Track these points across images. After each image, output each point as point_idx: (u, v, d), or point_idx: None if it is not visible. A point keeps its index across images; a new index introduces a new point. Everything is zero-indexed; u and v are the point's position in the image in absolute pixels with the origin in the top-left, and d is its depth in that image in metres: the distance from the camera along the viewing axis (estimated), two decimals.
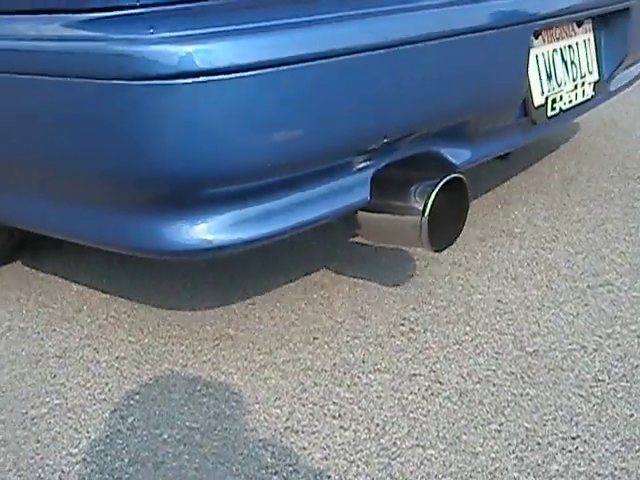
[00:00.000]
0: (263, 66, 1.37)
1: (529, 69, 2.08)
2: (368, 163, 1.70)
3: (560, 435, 1.52)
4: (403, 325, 1.92)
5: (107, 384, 1.76)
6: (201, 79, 1.32)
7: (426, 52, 1.65)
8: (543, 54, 2.19)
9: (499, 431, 1.54)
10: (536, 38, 2.14)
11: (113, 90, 1.36)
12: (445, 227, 1.75)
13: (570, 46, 2.33)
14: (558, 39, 2.27)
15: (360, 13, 1.56)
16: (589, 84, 2.44)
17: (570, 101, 2.36)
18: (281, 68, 1.39)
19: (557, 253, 2.27)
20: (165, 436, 1.58)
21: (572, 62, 2.35)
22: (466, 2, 1.79)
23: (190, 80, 1.32)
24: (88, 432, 1.60)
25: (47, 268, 2.32)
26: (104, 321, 2.01)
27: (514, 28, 1.91)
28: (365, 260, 2.26)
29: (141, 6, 1.39)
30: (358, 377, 1.73)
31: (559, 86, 2.28)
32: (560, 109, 2.31)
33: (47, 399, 1.72)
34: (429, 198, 1.64)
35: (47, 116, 1.53)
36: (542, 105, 2.21)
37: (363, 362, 1.78)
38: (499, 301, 2.01)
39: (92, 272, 2.27)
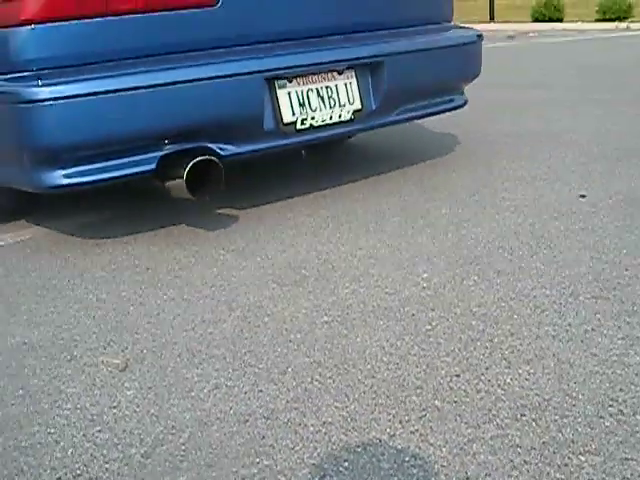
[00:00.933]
0: (88, 94, 2.88)
1: (279, 100, 3.36)
2: (158, 148, 3.07)
3: None
4: (612, 406, 1.88)
5: (315, 448, 1.79)
6: (57, 101, 2.82)
7: (184, 90, 3.08)
8: (297, 91, 3.43)
9: None
10: (290, 82, 3.40)
11: (18, 108, 2.87)
12: (207, 186, 3.13)
13: (328, 86, 3.54)
14: (314, 82, 3.49)
15: (155, 69, 3.07)
16: (348, 111, 3.61)
17: (323, 120, 3.52)
18: (99, 96, 2.89)
19: None
20: None
21: (330, 97, 3.54)
22: (206, 64, 3.18)
23: (52, 102, 2.81)
24: None
25: (250, 328, 2.40)
26: (309, 384, 2.06)
27: (243, 77, 3.24)
28: (572, 338, 2.22)
29: (36, 70, 2.87)
30: (569, 457, 1.70)
31: (313, 111, 3.48)
32: (311, 125, 3.49)
33: (256, 459, 1.77)
34: (186, 168, 3.01)
35: None
36: (292, 122, 3.42)
37: (572, 442, 1.75)
38: None
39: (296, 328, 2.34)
